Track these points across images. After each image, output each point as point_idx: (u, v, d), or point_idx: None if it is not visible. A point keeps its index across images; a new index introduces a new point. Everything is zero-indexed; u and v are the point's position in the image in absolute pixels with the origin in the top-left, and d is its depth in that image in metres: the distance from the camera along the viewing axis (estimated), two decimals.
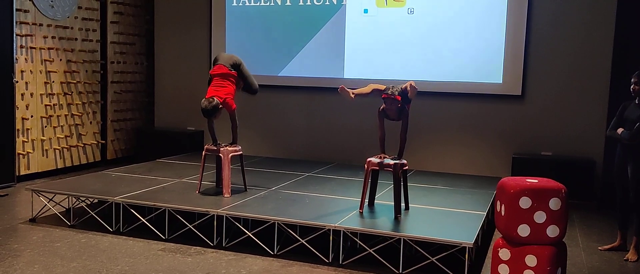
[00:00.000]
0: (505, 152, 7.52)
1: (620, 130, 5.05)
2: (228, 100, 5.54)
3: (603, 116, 7.02)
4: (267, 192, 5.75)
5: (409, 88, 4.90)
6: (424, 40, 7.76)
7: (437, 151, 7.82)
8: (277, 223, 4.85)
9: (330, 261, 4.67)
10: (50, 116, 7.72)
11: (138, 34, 9.21)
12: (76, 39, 8.09)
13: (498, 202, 3.79)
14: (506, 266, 3.72)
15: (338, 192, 5.89)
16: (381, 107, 5.01)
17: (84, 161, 8.33)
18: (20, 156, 7.30)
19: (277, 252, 4.83)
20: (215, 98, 5.48)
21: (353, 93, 5.02)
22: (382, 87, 5.00)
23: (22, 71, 7.29)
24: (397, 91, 4.91)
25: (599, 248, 5.32)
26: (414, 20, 7.79)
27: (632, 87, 5.01)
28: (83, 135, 8.26)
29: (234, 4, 8.65)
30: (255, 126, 8.63)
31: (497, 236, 5.29)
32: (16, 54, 7.13)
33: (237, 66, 5.70)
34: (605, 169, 6.77)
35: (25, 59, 7.35)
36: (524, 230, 3.61)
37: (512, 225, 3.64)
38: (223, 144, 5.67)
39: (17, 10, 7.12)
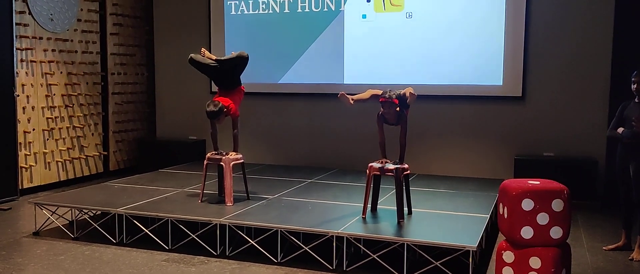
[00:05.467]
0: (507, 154, 7.51)
1: (620, 129, 5.05)
2: (232, 106, 5.60)
3: (604, 115, 7.01)
4: (270, 200, 5.75)
5: (408, 94, 4.91)
6: (423, 44, 7.76)
7: (438, 154, 7.81)
8: (280, 231, 4.85)
9: (334, 267, 4.67)
10: (52, 128, 7.73)
11: (138, 44, 9.23)
12: (76, 52, 8.11)
13: (501, 205, 3.79)
14: (510, 268, 3.71)
15: (340, 198, 5.88)
16: (380, 112, 5.02)
17: (86, 173, 8.34)
18: (23, 169, 7.31)
19: (280, 260, 4.82)
20: (220, 102, 5.54)
21: (352, 99, 5.03)
22: (380, 92, 5.02)
23: (23, 85, 7.31)
24: (394, 94, 4.92)
25: (604, 247, 5.31)
26: (413, 24, 7.79)
27: (634, 87, 5.00)
28: (85, 147, 8.28)
29: (233, 12, 8.67)
30: (256, 133, 8.64)
31: (500, 238, 5.28)
32: (17, 68, 7.15)
33: (239, 70, 5.82)
34: (608, 169, 6.75)
35: (26, 72, 7.37)
36: (527, 232, 3.61)
37: (515, 227, 3.63)
38: (224, 153, 5.68)
39: (16, 24, 7.15)
